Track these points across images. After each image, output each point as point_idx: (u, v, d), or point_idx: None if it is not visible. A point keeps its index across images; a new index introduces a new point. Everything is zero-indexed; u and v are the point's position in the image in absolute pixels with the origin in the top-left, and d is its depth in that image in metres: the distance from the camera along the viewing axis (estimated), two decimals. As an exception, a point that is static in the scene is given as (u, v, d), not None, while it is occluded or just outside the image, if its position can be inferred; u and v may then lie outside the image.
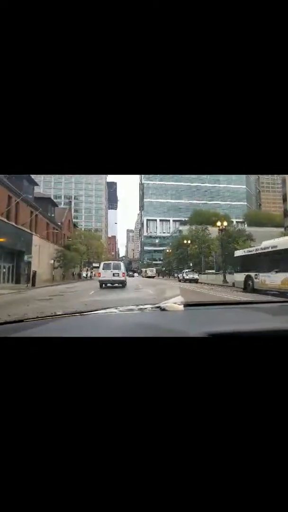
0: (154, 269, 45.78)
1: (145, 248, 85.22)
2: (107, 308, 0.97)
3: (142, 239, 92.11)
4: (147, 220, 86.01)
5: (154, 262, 67.67)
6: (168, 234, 78.52)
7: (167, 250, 42.13)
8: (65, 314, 0.98)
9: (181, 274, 25.72)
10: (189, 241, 32.83)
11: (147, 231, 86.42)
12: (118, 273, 12.35)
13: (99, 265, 13.86)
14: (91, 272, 39.75)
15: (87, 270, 40.43)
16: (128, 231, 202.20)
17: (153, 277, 39.25)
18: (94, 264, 59.43)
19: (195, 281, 22.12)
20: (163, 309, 0.93)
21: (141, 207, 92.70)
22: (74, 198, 79.38)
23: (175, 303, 0.98)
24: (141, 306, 1.00)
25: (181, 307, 0.96)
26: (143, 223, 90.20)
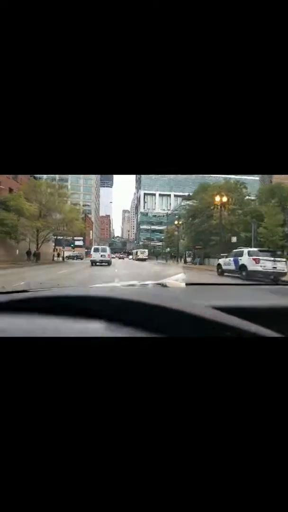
0: (146, 251, 40.72)
1: (142, 227, 74.04)
2: (110, 283, 1.02)
3: (138, 217, 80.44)
4: (145, 194, 74.06)
5: (153, 243, 56.56)
6: (169, 211, 67.54)
7: (177, 223, 29.34)
8: (69, 287, 1.02)
9: (233, 260, 9.89)
10: (223, 198, 15.68)
11: (144, 208, 74.72)
12: (105, 255, 17.29)
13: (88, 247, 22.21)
14: (71, 256, 28.19)
15: (56, 250, 28.47)
16: (124, 211, 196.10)
17: (144, 259, 35.39)
18: (77, 242, 48.70)
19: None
20: (164, 285, 0.96)
21: (137, 179, 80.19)
22: (61, 180, 67.04)
23: (176, 280, 1.01)
24: (143, 282, 1.01)
25: (183, 284, 1.00)
26: (139, 198, 78.28)
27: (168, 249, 31.65)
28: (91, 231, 63.87)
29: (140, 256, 37.38)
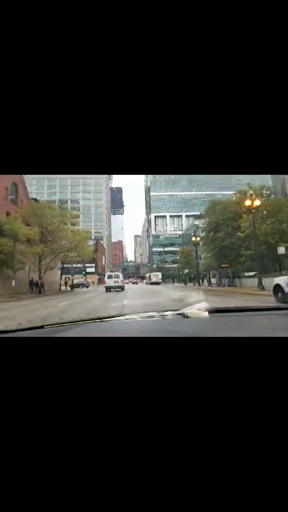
0: (159, 274, 37.89)
1: (155, 249, 72.09)
2: (128, 314, 0.97)
3: (150, 240, 78.87)
4: (155, 217, 72.95)
5: (167, 265, 54.01)
6: (181, 232, 65.53)
7: (195, 239, 25.37)
8: (85, 320, 0.97)
9: None
10: (254, 202, 12.94)
11: (155, 230, 73.29)
12: (118, 281, 18.09)
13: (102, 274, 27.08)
14: (75, 284, 25.82)
15: (65, 279, 26.06)
16: (136, 236, 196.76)
17: (158, 283, 32.89)
18: (89, 269, 46.75)
19: None
20: (186, 316, 0.90)
21: (147, 202, 79.83)
22: (71, 202, 67.63)
23: (199, 309, 0.92)
24: (162, 313, 0.96)
25: (206, 313, 0.92)
26: (150, 221, 77.27)
27: (186, 270, 28.58)
28: (103, 257, 62.41)
29: (154, 279, 34.99)
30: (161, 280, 35.74)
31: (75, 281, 29.21)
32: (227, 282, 18.35)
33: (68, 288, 25.52)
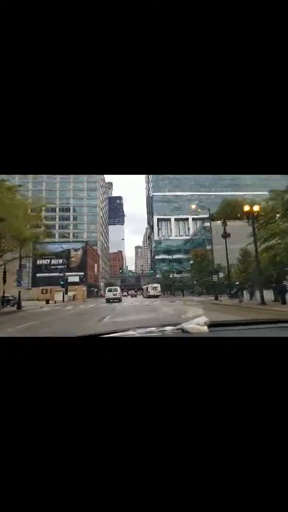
0: (158, 286, 33.21)
1: (157, 257, 62.07)
2: (126, 330, 0.96)
3: (153, 246, 68.77)
4: (158, 220, 63.27)
5: (173, 275, 43.78)
6: (187, 237, 55.98)
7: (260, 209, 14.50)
8: (82, 336, 0.99)
9: None
10: None
11: (158, 235, 63.44)
12: (116, 293, 22.03)
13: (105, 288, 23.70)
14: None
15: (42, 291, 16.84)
16: (137, 247, 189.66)
17: (156, 296, 28.97)
18: (71, 278, 36.13)
19: None
20: (185, 331, 0.89)
21: (149, 203, 70.31)
22: (62, 210, 58.37)
23: (198, 324, 0.92)
24: (161, 328, 0.95)
25: (205, 328, 0.90)
26: (152, 226, 67.60)
27: (214, 278, 18.22)
28: (95, 265, 51.93)
29: (152, 292, 30.19)
30: (160, 293, 31.19)
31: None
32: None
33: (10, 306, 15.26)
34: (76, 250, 44.26)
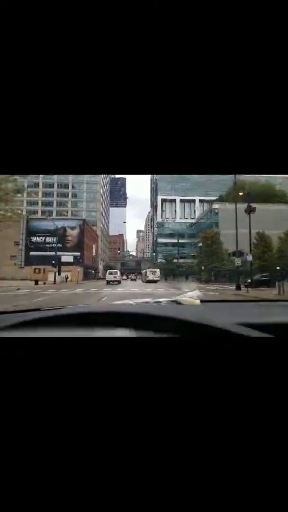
0: (157, 270, 32.69)
1: (160, 240, 58.74)
2: (123, 300, 1.02)
3: (155, 230, 65.30)
4: (162, 200, 59.26)
5: (175, 261, 40.67)
6: (193, 220, 52.46)
7: None
8: (81, 306, 1.02)
9: None
10: None
11: (162, 216, 59.71)
12: (116, 276, 24.43)
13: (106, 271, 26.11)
14: None
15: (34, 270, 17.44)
16: (138, 231, 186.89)
17: (155, 281, 28.13)
18: (64, 258, 33.07)
19: None
20: (179, 303, 0.94)
21: (153, 181, 65.93)
22: (60, 186, 54.30)
23: (191, 297, 0.97)
24: (157, 300, 1.00)
25: (198, 301, 0.96)
26: (156, 206, 63.68)
27: (237, 262, 14.74)
28: (93, 245, 48.67)
29: (150, 277, 30.23)
30: (159, 278, 31.03)
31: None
32: None
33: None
34: (72, 228, 40.85)
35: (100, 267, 57.86)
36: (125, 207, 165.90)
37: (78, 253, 38.40)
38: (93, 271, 43.92)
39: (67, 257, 33.06)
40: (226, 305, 1.16)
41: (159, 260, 55.88)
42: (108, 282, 23.33)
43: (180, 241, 55.92)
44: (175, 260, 38.93)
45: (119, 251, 78.39)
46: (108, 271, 26.21)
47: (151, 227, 75.22)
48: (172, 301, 0.94)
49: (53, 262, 24.51)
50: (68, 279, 28.94)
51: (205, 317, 0.56)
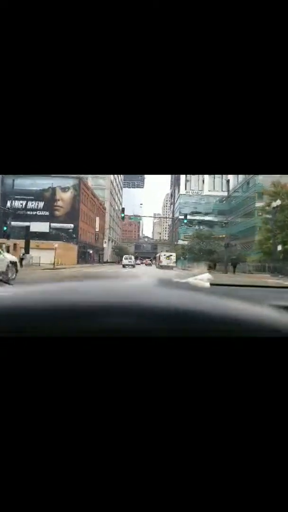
0: (172, 254, 28.20)
1: (180, 217, 47.23)
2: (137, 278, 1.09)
3: (176, 205, 53.32)
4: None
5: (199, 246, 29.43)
6: (224, 193, 40.87)
7: None
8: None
9: None
10: None
11: (186, 188, 47.69)
12: (131, 261, 27.62)
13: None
14: None
15: None
16: (155, 214, 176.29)
17: (170, 267, 24.16)
18: (35, 226, 20.54)
19: None
20: (189, 284, 0.96)
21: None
22: None
23: (201, 279, 1.01)
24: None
25: (208, 284, 1.00)
26: (178, 178, 51.48)
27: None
28: (97, 219, 37.72)
29: (164, 262, 26.68)
30: (174, 264, 26.72)
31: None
32: None
33: None
34: (64, 190, 29.71)
35: (106, 247, 47.45)
36: (142, 187, 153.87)
37: (71, 225, 27.75)
38: (90, 251, 33.10)
39: (40, 225, 22.43)
40: None
41: (179, 241, 44.79)
42: (123, 266, 25.88)
43: (209, 219, 44.71)
44: (204, 243, 27.48)
45: (141, 239, 67.63)
46: (124, 256, 29.42)
47: (172, 203, 63.24)
48: (183, 282, 0.95)
49: (5, 229, 13.78)
50: (55, 263, 18.32)
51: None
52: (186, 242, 39.25)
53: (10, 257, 8.28)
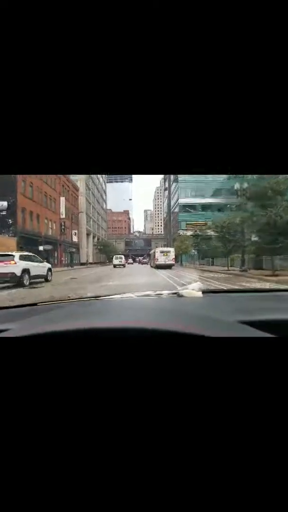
0: (171, 250, 23.40)
1: (183, 201, 36.41)
2: (124, 293, 1.01)
3: (175, 185, 42.54)
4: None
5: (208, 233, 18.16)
6: (222, 179, 31.44)
7: None
8: (80, 299, 1.02)
9: None
10: None
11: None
12: (121, 261, 28.04)
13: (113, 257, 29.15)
14: None
15: None
16: (146, 211, 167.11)
17: (169, 266, 20.94)
18: None
19: None
20: (180, 296, 0.94)
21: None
22: None
23: (193, 289, 0.98)
24: (158, 292, 1.00)
25: (200, 293, 0.96)
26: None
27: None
28: (62, 199, 26.26)
29: (161, 260, 21.75)
30: (173, 262, 22.21)
31: None
32: None
33: None
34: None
35: (85, 243, 36.03)
36: (131, 182, 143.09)
37: (3, 203, 16.12)
38: (49, 248, 21.41)
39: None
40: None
41: (181, 232, 33.90)
42: (114, 266, 26.19)
43: (212, 201, 34.42)
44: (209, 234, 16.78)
45: (132, 234, 57.05)
46: (114, 256, 29.75)
47: (168, 189, 52.20)
48: (174, 293, 0.94)
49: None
50: None
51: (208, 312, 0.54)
52: (188, 233, 28.80)
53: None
